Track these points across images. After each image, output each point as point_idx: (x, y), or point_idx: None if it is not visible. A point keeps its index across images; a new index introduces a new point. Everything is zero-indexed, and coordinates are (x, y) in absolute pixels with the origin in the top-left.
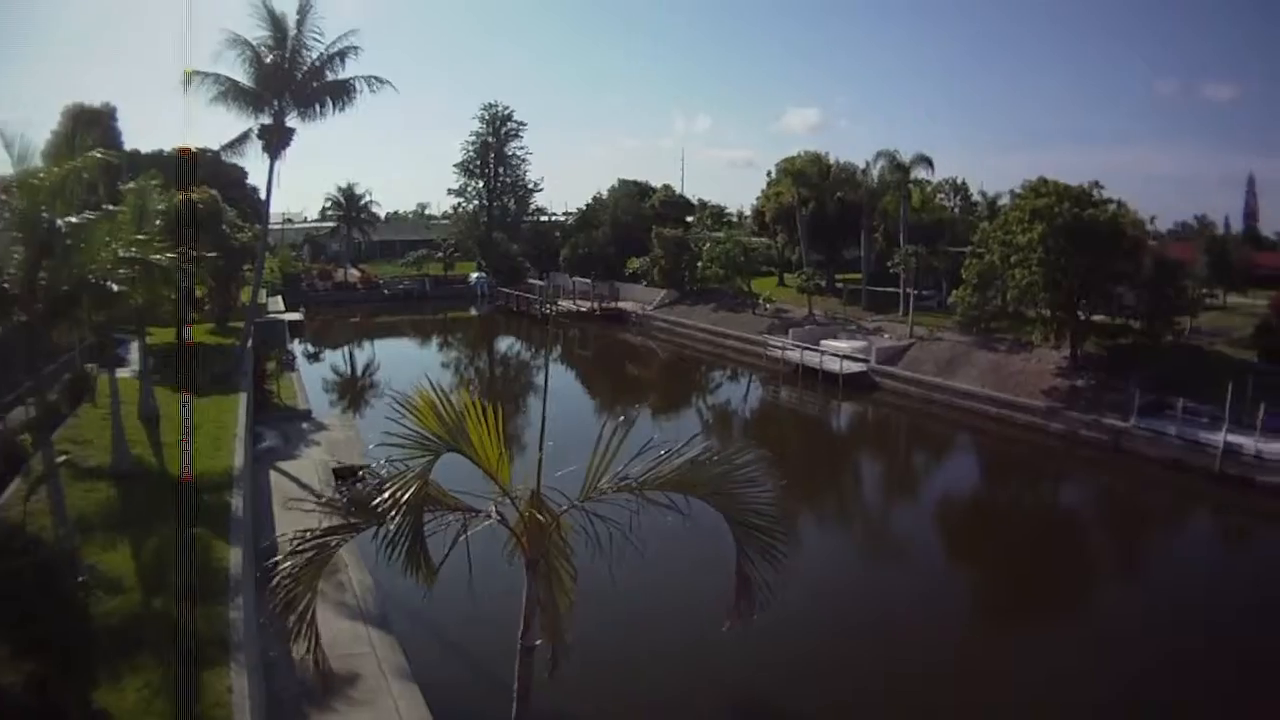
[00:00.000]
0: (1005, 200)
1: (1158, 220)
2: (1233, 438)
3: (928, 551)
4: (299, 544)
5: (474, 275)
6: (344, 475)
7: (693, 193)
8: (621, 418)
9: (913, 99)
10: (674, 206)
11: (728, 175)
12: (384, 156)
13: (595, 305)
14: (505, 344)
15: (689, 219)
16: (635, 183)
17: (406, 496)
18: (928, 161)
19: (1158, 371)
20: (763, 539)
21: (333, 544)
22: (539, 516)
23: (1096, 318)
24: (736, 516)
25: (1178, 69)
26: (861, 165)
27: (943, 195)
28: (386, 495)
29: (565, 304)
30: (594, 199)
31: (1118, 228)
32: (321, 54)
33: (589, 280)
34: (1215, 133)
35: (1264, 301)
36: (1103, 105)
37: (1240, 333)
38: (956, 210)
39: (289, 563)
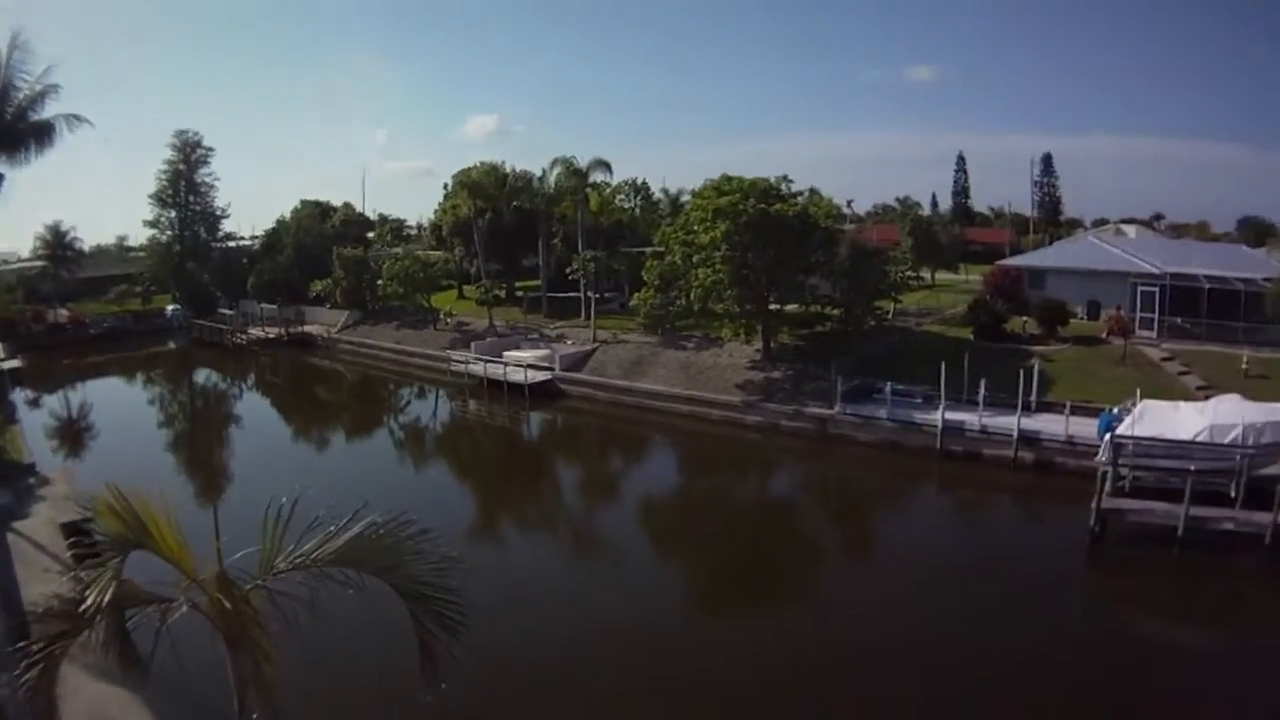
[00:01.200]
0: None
1: (856, 204)
2: (953, 415)
3: (635, 550)
4: (26, 662)
5: (170, 308)
6: (73, 532)
7: (376, 208)
8: (293, 495)
9: (597, 98)
10: (355, 224)
11: (409, 186)
12: (88, 187)
13: (283, 331)
14: (202, 376)
15: (370, 235)
16: (316, 203)
17: (105, 600)
18: (606, 165)
19: (864, 356)
20: (438, 608)
21: (56, 652)
22: (222, 599)
23: (789, 309)
24: (407, 589)
25: (884, 56)
26: (539, 172)
27: (623, 196)
28: (89, 602)
29: (256, 331)
30: (277, 222)
31: (808, 220)
32: (28, 94)
33: (274, 306)
34: (922, 114)
35: (977, 276)
36: (818, 94)
37: (951, 310)
38: (638, 211)
39: (26, 675)
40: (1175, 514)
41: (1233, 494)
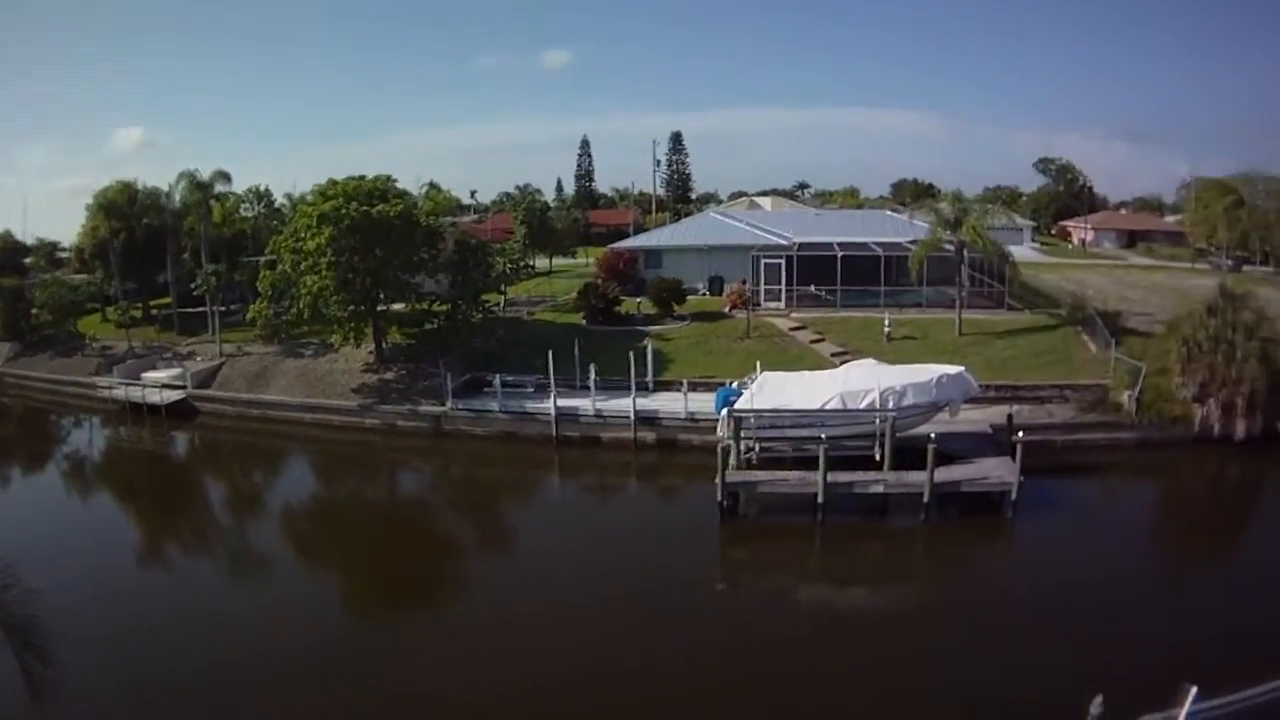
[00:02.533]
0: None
1: (481, 194)
2: (567, 401)
3: (274, 564)
4: None
5: None
6: None
7: (37, 231)
8: None
9: (240, 103)
10: (14, 252)
11: (72, 205)
12: None
13: None
14: None
15: (27, 261)
16: None
17: None
18: (226, 176)
19: (475, 351)
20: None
21: None
22: None
23: (397, 308)
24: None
25: (515, 42)
26: (166, 188)
27: (246, 205)
28: None
29: None
30: None
31: (411, 219)
32: None
33: None
34: (558, 98)
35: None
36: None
37: (565, 297)
38: (260, 219)
39: None
40: (812, 481)
41: (877, 457)
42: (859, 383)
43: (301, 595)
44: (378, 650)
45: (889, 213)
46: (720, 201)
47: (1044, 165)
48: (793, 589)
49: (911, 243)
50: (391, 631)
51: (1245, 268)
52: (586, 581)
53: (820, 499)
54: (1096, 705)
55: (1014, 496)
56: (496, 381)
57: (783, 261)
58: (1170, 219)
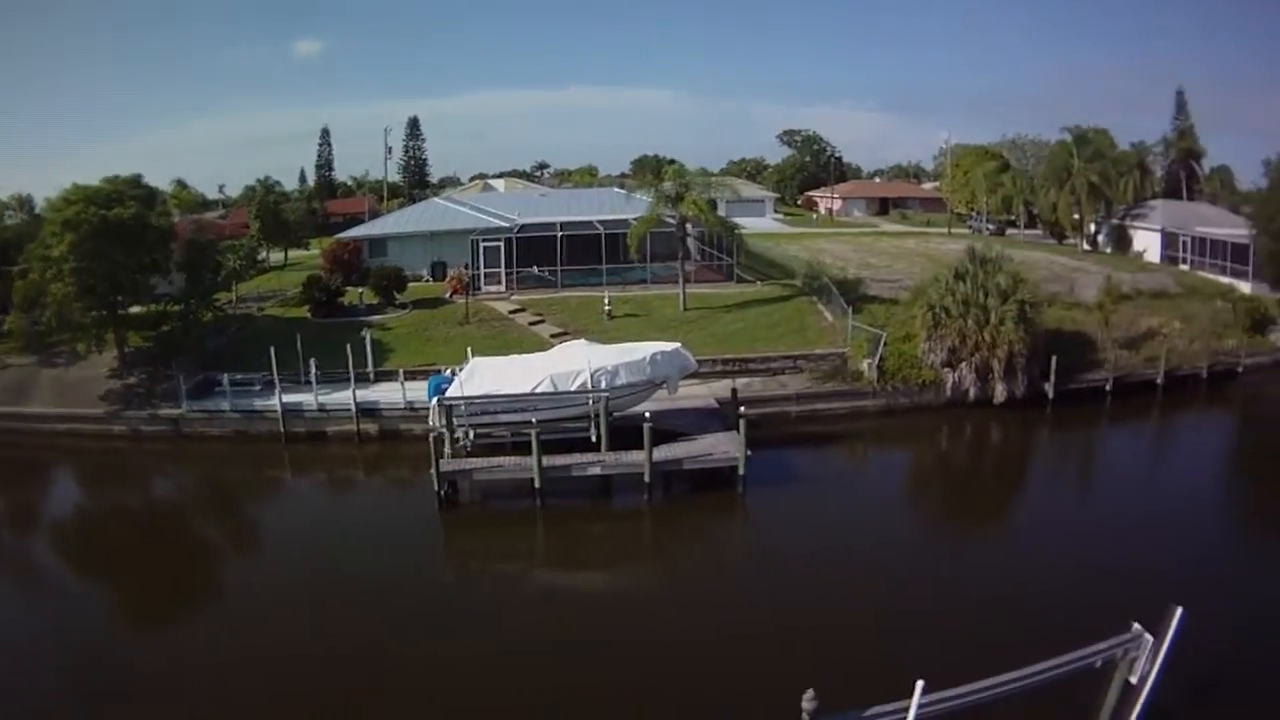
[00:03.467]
0: None
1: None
2: (292, 397)
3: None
4: None
5: None
6: None
7: None
8: None
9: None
10: None
11: None
12: None
13: None
14: None
15: None
16: None
17: None
18: None
19: (210, 350)
20: None
21: None
22: None
23: (137, 311)
24: None
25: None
26: None
27: (10, 212)
28: None
29: None
30: None
31: (144, 221)
32: None
33: None
34: (302, 88)
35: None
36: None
37: (293, 291)
38: (24, 227)
39: None
40: (527, 466)
41: (593, 438)
42: (569, 364)
43: (48, 610)
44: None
45: (617, 190)
46: (460, 185)
47: (788, 137)
48: (515, 575)
49: (637, 219)
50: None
51: (1009, 231)
52: (311, 579)
53: (537, 484)
54: (808, 700)
55: (741, 471)
56: (225, 381)
57: (502, 244)
58: (928, 186)
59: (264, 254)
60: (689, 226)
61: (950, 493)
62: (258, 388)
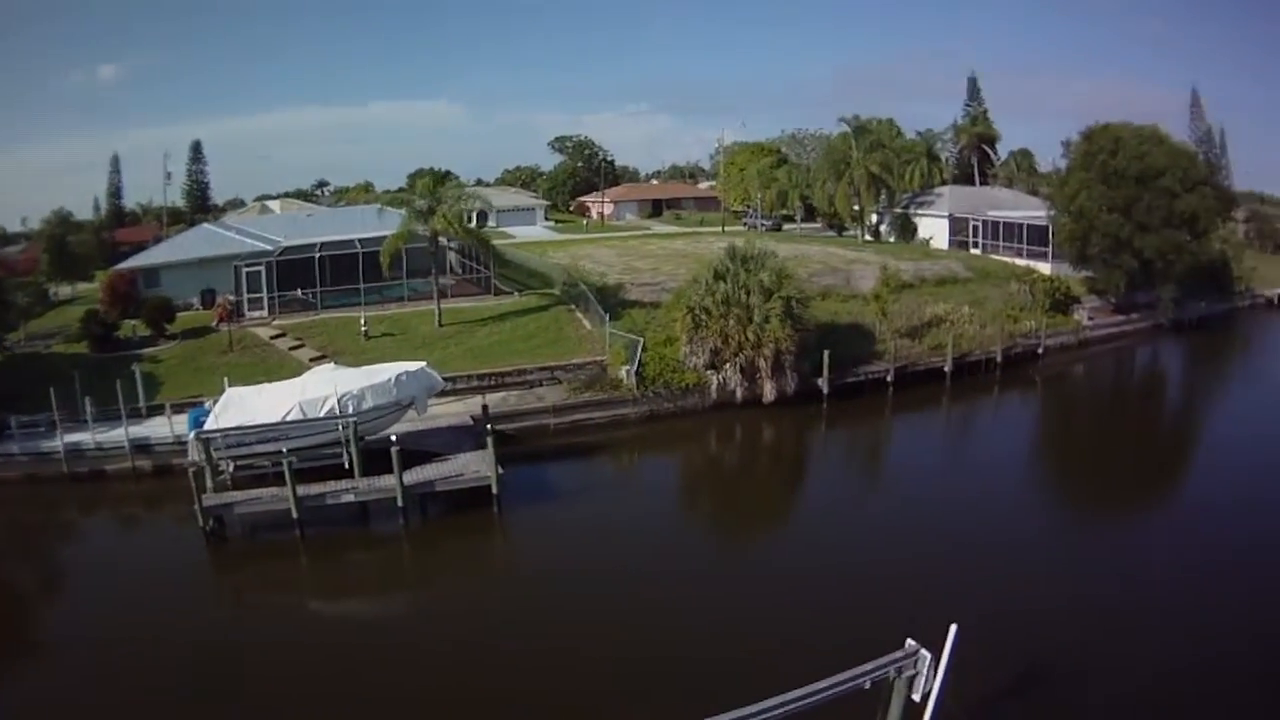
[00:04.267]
0: None
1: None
2: (75, 436)
3: None
4: None
5: None
6: None
7: None
8: None
9: None
10: None
11: None
12: None
13: None
14: None
15: None
16: None
17: None
18: None
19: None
20: None
21: None
22: None
23: None
24: None
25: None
26: None
27: None
28: None
29: None
30: None
31: None
32: None
33: None
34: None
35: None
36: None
37: (76, 325)
38: None
39: None
40: (285, 497)
41: (346, 465)
42: (317, 390)
43: None
44: None
45: (376, 207)
46: (244, 207)
47: (559, 143)
48: (277, 610)
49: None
50: None
51: (787, 226)
52: (90, 623)
53: (295, 514)
54: None
55: (495, 490)
56: (13, 423)
57: (263, 268)
58: (704, 185)
59: (53, 289)
60: (444, 240)
61: (720, 499)
62: (42, 429)
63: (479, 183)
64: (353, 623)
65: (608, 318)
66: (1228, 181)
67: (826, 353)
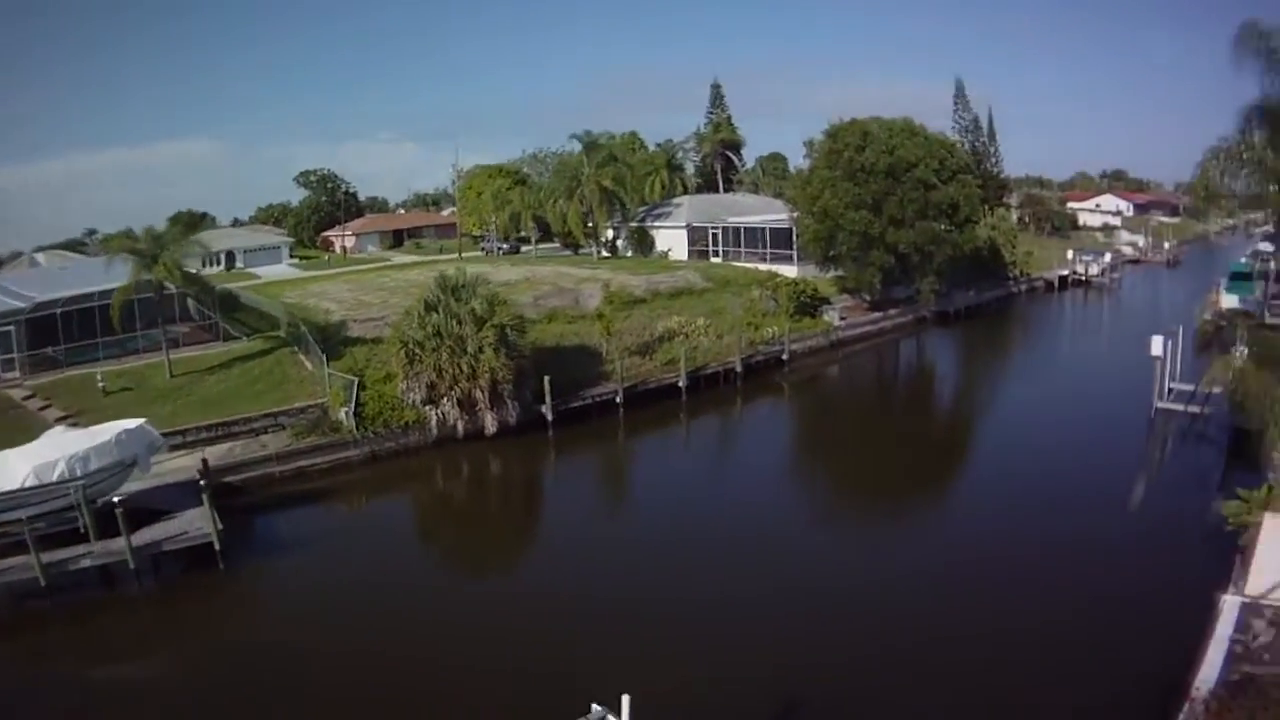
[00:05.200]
0: None
1: None
2: None
3: None
4: None
5: None
6: None
7: None
8: None
9: None
10: None
11: None
12: None
13: None
14: None
15: None
16: None
17: None
18: None
19: None
20: None
21: None
22: None
23: None
24: None
25: None
26: None
27: None
28: None
29: None
30: None
31: None
32: None
33: None
34: None
35: None
36: None
37: None
38: None
39: None
40: (31, 565)
41: (82, 529)
42: (48, 454)
43: None
44: None
45: (107, 257)
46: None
47: (304, 178)
48: (33, 681)
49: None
50: None
51: (525, 248)
52: None
53: (42, 582)
54: None
55: (218, 546)
56: None
57: (13, 327)
58: (447, 212)
59: None
60: (172, 287)
61: (442, 545)
62: None
63: (235, 222)
64: (77, 694)
65: (325, 358)
66: (998, 168)
67: (547, 378)
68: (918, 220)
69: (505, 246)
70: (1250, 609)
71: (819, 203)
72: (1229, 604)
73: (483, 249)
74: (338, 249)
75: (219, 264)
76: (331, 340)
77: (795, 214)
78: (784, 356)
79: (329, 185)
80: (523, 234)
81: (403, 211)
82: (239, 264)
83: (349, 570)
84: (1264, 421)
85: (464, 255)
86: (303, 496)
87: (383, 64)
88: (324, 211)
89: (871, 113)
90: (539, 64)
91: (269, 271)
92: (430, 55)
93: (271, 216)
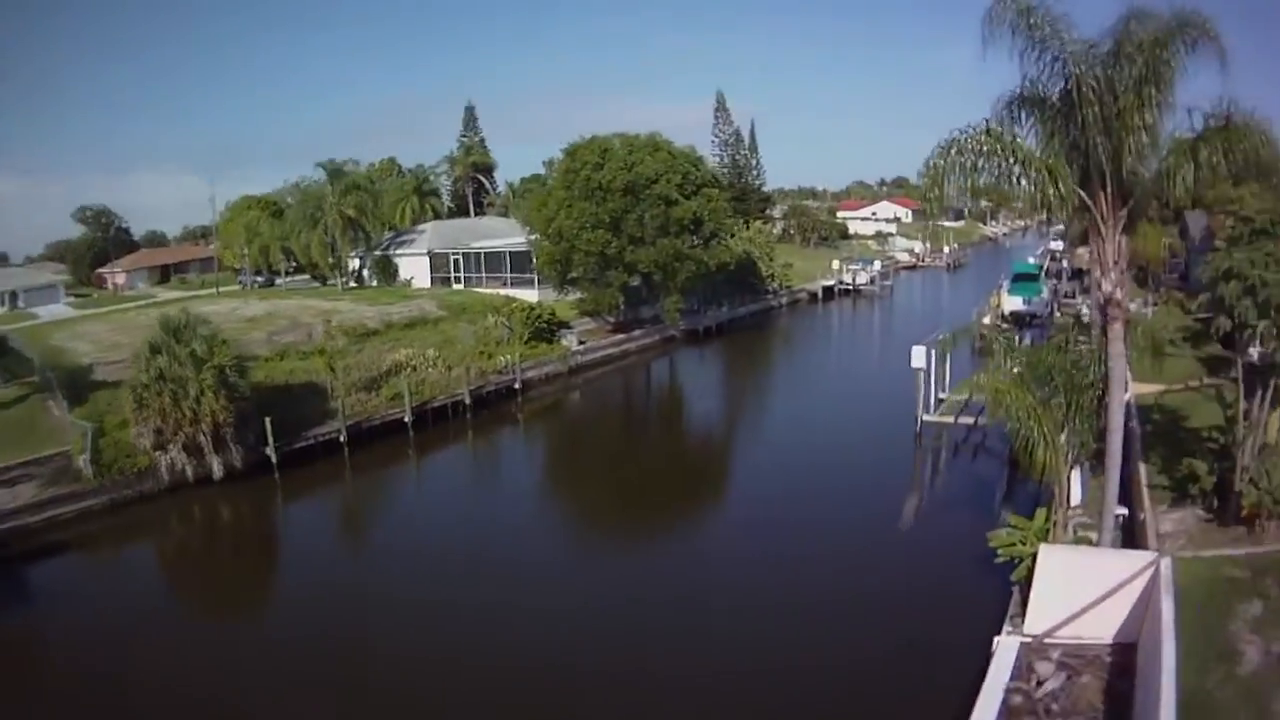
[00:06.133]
0: None
1: None
2: None
3: None
4: None
5: None
6: None
7: None
8: None
9: None
10: None
11: None
12: None
13: None
14: None
15: None
16: None
17: None
18: None
19: None
20: None
21: None
22: None
23: None
24: None
25: None
26: None
27: None
28: None
29: None
30: None
31: None
32: None
33: None
34: None
35: None
36: None
37: None
38: None
39: None
40: None
41: None
42: None
43: None
44: None
45: None
46: None
47: (81, 214)
48: None
49: None
50: None
51: (279, 281)
52: None
53: None
54: None
55: None
56: None
57: None
58: (213, 246)
59: None
60: None
61: (167, 592)
62: None
63: (28, 260)
64: None
65: (67, 404)
66: (760, 180)
67: (268, 420)
68: (659, 238)
69: (261, 279)
70: (1033, 649)
71: (554, 224)
72: (1004, 645)
73: (240, 283)
74: (109, 286)
75: (4, 304)
76: (80, 384)
77: (533, 236)
78: (517, 385)
79: (103, 221)
80: (273, 267)
81: (175, 245)
82: (20, 304)
83: (70, 637)
84: (1027, 439)
85: (221, 290)
86: (54, 549)
87: (162, 92)
88: (98, 248)
89: (636, 132)
90: (320, 94)
91: (49, 311)
92: (211, 83)
93: (58, 254)
